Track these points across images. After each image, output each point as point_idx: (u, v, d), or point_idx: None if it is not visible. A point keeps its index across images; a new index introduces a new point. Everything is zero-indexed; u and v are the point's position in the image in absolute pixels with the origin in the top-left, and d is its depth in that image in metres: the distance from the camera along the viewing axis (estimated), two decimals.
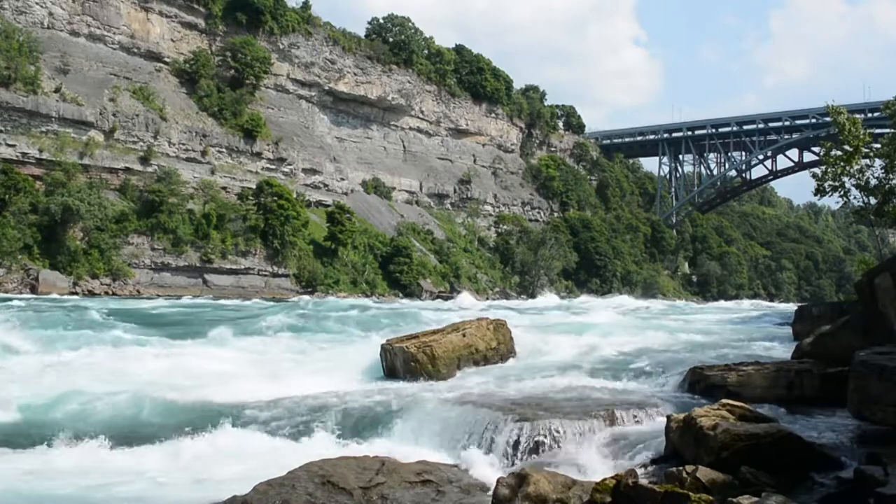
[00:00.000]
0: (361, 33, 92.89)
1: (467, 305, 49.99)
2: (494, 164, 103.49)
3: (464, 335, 16.00)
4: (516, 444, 9.33)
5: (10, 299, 37.19)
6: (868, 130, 29.21)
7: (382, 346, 15.75)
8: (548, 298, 72.31)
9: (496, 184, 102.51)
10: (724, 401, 8.83)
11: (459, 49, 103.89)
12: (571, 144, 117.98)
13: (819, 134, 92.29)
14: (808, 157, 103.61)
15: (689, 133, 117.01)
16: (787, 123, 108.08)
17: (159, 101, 65.66)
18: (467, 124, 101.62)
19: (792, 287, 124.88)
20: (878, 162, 28.54)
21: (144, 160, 61.75)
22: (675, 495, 6.19)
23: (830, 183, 28.25)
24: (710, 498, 6.21)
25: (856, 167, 27.49)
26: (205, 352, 18.53)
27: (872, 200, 28.35)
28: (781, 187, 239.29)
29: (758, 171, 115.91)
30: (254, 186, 68.10)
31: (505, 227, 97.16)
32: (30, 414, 12.08)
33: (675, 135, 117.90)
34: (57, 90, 57.63)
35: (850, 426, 8.98)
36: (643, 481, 6.79)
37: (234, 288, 61.26)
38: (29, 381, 14.09)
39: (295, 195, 70.89)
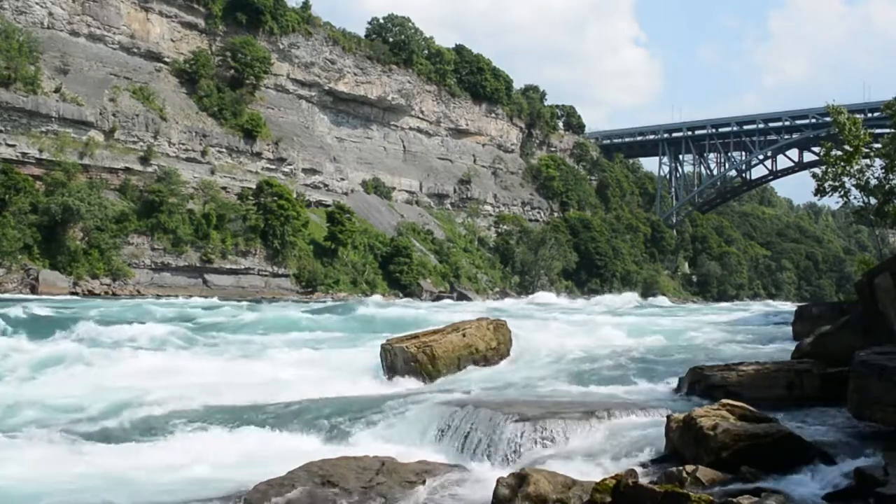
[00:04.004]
0: (361, 33, 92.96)
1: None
2: (494, 164, 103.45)
3: (464, 335, 15.99)
4: (516, 443, 9.32)
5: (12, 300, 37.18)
6: (868, 130, 29.21)
7: (382, 346, 15.76)
8: (545, 296, 71.50)
9: (496, 184, 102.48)
10: (724, 401, 8.81)
11: (459, 49, 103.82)
12: (571, 144, 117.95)
13: (819, 134, 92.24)
14: (808, 157, 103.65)
15: (689, 133, 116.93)
16: (787, 123, 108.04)
17: (159, 101, 65.64)
18: (467, 124, 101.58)
19: (792, 287, 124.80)
20: (878, 162, 28.58)
21: (144, 160, 61.74)
22: (675, 495, 6.19)
23: (830, 183, 28.25)
24: (710, 498, 6.21)
25: (856, 167, 27.50)
26: (203, 352, 18.53)
27: (872, 200, 28.38)
28: (781, 187, 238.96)
29: (758, 171, 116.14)
30: (254, 186, 68.08)
31: (505, 227, 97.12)
32: None
33: (675, 135, 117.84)
34: (57, 90, 57.61)
35: (850, 426, 8.98)
36: (643, 481, 6.80)
37: (234, 288, 61.25)
38: None
39: (295, 195, 70.88)
